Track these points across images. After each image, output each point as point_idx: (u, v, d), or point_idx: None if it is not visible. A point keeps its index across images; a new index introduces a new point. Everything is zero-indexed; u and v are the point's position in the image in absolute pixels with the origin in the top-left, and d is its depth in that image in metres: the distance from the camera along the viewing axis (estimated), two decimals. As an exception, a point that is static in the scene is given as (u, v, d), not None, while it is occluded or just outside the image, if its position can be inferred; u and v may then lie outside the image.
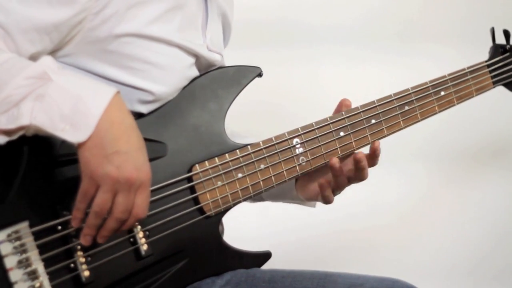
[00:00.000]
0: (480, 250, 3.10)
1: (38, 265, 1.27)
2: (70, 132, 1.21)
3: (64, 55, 1.39)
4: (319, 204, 1.73)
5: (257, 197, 1.63)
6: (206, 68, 1.57)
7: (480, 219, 3.12)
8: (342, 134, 1.63)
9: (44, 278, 1.27)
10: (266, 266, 1.61)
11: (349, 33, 2.98)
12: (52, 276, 1.28)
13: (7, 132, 1.23)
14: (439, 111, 1.78)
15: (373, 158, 1.61)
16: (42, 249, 1.27)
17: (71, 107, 1.21)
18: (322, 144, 1.61)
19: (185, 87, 1.50)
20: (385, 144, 1.69)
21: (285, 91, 2.77)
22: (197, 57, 1.53)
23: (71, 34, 1.36)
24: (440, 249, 3.09)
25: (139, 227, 1.40)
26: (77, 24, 1.35)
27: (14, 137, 1.23)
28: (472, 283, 3.07)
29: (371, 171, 1.63)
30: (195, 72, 1.53)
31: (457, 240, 3.09)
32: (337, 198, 1.65)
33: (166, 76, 1.46)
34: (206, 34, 1.58)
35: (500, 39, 1.95)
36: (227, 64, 1.64)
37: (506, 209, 3.12)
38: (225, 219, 1.55)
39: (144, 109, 1.46)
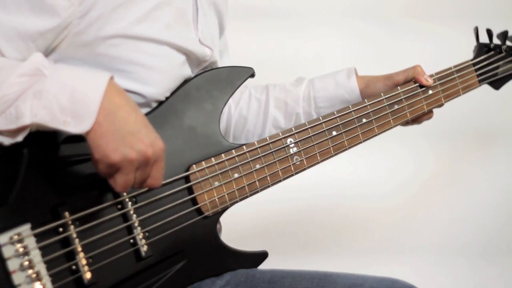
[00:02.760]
0: (489, 227, 3.11)
1: (41, 268, 1.26)
2: (73, 124, 1.21)
3: (53, 61, 1.38)
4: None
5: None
6: (196, 65, 1.58)
7: (489, 196, 3.12)
8: (334, 133, 1.66)
9: (46, 281, 1.26)
10: (265, 266, 1.62)
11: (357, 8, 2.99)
12: (54, 278, 1.28)
13: (9, 133, 1.23)
14: (427, 110, 1.82)
15: None
16: (44, 251, 1.27)
17: (69, 99, 1.21)
18: (315, 144, 1.63)
19: (179, 88, 1.51)
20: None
21: (288, 63, 2.78)
22: (188, 54, 1.53)
23: (57, 40, 1.36)
24: (449, 227, 3.09)
25: (139, 228, 1.40)
26: (62, 30, 1.34)
27: (19, 138, 1.23)
28: (482, 260, 3.08)
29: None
30: (187, 70, 1.54)
31: (466, 218, 3.10)
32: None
33: (157, 77, 1.46)
34: (198, 27, 1.58)
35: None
36: (217, 58, 1.65)
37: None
38: (222, 218, 1.56)
39: None
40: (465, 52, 1.96)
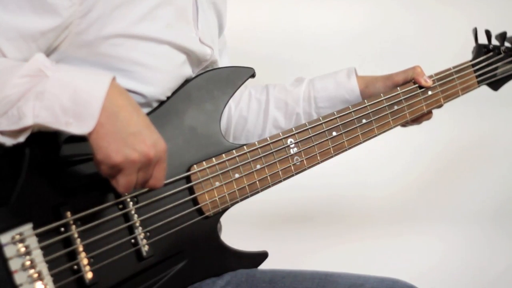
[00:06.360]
0: (501, 196, 3.14)
1: (42, 267, 1.26)
2: (75, 125, 1.21)
3: (54, 61, 1.36)
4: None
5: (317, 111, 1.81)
6: (197, 65, 1.58)
7: (499, 165, 3.14)
8: (334, 134, 1.66)
9: (48, 280, 1.26)
10: (266, 265, 1.62)
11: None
12: (56, 278, 1.28)
13: (11, 134, 1.23)
14: (427, 110, 1.82)
15: None
16: (45, 251, 1.27)
17: (72, 100, 1.21)
18: (316, 144, 1.64)
19: (180, 88, 1.51)
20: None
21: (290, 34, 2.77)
22: (188, 54, 1.53)
23: (58, 39, 1.36)
24: (461, 196, 3.12)
25: (140, 228, 1.40)
26: (64, 30, 1.34)
27: (21, 138, 1.23)
28: (495, 227, 3.12)
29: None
30: (188, 70, 1.54)
31: (477, 187, 3.12)
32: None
33: (157, 77, 1.46)
34: (198, 26, 1.57)
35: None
36: (217, 58, 1.65)
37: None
38: (223, 218, 1.56)
39: None
40: (464, 52, 1.96)
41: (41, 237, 1.27)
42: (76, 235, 1.31)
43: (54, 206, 1.30)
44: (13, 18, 1.30)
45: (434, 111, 1.86)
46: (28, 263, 1.25)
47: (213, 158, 1.50)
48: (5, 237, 1.23)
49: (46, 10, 1.31)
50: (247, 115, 1.83)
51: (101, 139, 1.22)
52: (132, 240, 1.40)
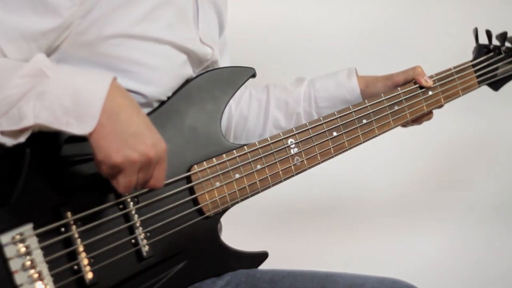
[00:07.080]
0: None
1: (43, 268, 1.26)
2: (75, 125, 1.21)
3: (55, 61, 1.37)
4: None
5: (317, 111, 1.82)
6: (198, 65, 1.58)
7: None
8: (335, 134, 1.66)
9: (48, 281, 1.26)
10: (266, 265, 1.62)
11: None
12: (56, 278, 1.28)
13: (12, 134, 1.23)
14: (427, 110, 1.82)
15: None
16: (46, 251, 1.27)
17: (72, 100, 1.21)
18: (316, 144, 1.64)
19: (181, 88, 1.51)
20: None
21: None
22: (189, 54, 1.53)
23: (59, 39, 1.35)
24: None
25: (140, 228, 1.40)
26: (64, 30, 1.34)
27: (22, 139, 1.23)
28: None
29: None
30: (188, 70, 1.54)
31: (482, 188, 3.13)
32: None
33: (158, 77, 1.46)
34: (198, 26, 1.58)
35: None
36: (218, 58, 1.65)
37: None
38: (223, 218, 1.56)
39: None
40: (465, 52, 1.96)
41: (41, 237, 1.27)
42: (76, 235, 1.31)
43: (55, 206, 1.30)
44: (13, 18, 1.30)
45: (435, 111, 1.86)
46: (28, 263, 1.25)
47: (214, 158, 1.50)
48: (6, 237, 1.23)
49: (46, 10, 1.31)
50: (248, 115, 1.83)
51: (101, 139, 1.22)
52: (133, 240, 1.40)
